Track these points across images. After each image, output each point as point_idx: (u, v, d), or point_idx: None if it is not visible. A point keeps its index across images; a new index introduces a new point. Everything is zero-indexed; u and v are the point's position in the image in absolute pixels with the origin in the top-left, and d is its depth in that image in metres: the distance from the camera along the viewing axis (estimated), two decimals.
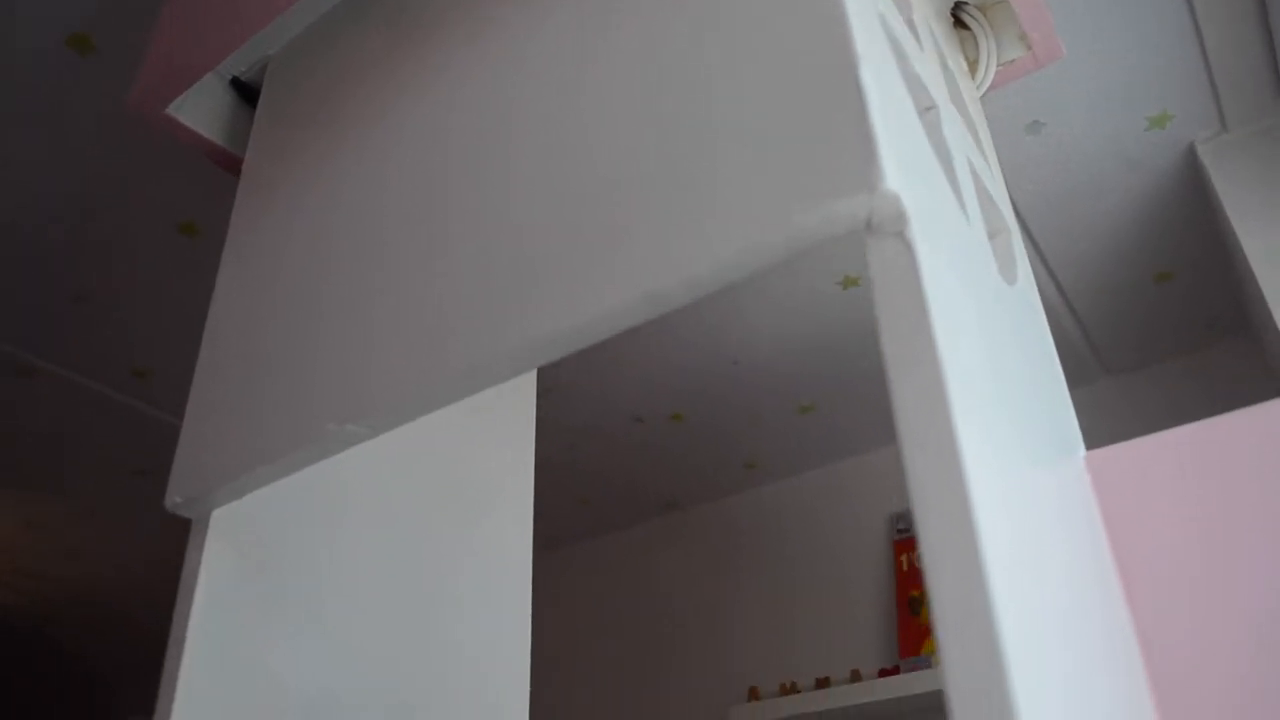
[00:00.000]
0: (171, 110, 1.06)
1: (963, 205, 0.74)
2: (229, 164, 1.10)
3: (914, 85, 0.73)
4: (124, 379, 2.19)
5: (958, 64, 1.07)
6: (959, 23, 1.12)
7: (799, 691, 2.18)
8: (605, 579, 2.74)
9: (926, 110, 0.76)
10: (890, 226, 0.48)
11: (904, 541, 2.31)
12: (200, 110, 1.09)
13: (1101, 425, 1.65)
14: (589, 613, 2.72)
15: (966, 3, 1.11)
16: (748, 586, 2.50)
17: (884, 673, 2.14)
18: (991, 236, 0.90)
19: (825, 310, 2.00)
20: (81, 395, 2.24)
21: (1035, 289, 0.96)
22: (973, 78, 1.10)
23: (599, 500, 2.68)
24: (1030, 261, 1.84)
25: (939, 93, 0.81)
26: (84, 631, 3.52)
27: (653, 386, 2.22)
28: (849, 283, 1.94)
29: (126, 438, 2.41)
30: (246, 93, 1.11)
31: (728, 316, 2.01)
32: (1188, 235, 1.86)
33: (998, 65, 1.13)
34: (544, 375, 2.11)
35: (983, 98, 1.16)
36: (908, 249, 0.48)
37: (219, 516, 0.82)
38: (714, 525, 2.63)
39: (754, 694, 2.26)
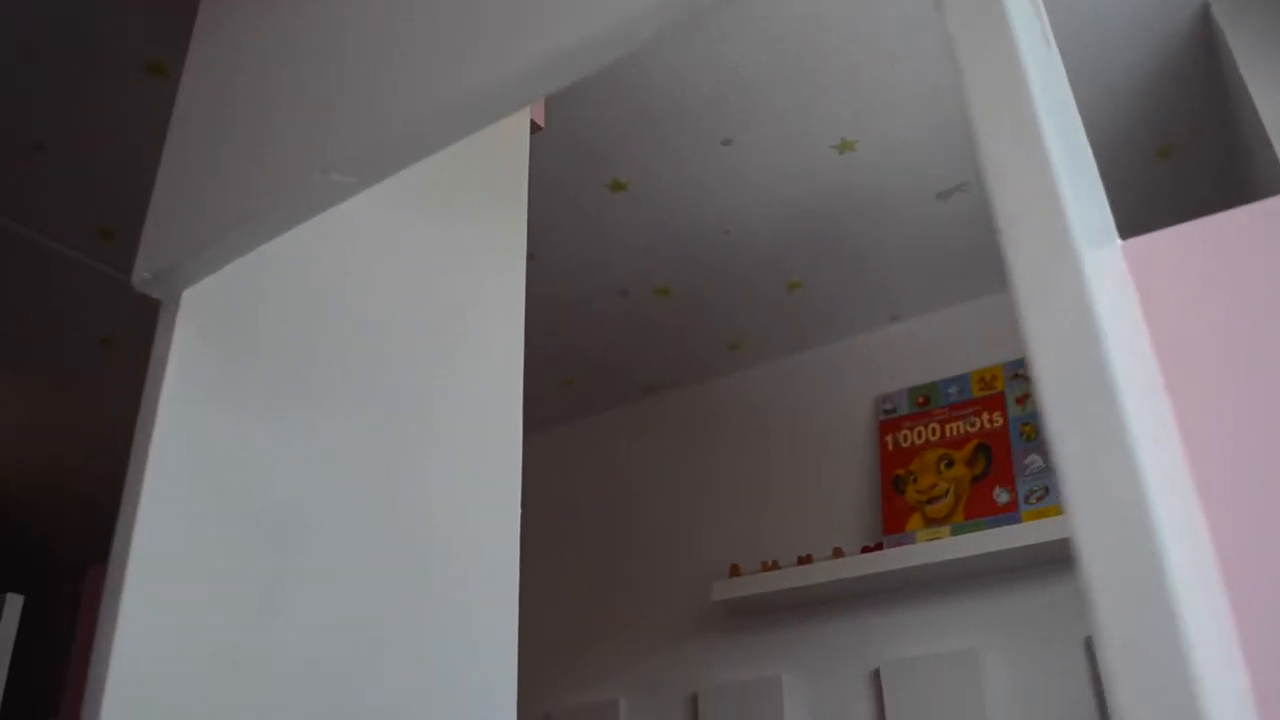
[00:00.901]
0: None
1: None
2: None
3: None
4: (89, 239, 2.10)
5: None
6: None
7: (780, 569, 2.17)
8: (585, 461, 2.71)
9: None
10: None
11: (889, 422, 2.28)
12: None
13: None
14: (569, 495, 2.69)
15: None
16: (730, 469, 2.47)
17: (866, 550, 2.13)
18: None
19: (821, 175, 1.94)
20: (42, 256, 2.14)
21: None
22: None
23: (581, 380, 2.63)
24: None
25: None
26: (50, 515, 3.47)
27: (642, 256, 2.15)
28: (845, 147, 1.87)
29: (92, 303, 2.32)
30: None
31: (723, 180, 1.94)
32: (1193, 107, 1.80)
33: None
34: (531, 239, 2.05)
35: None
36: None
37: (190, 298, 0.76)
38: (697, 407, 2.60)
39: (735, 571, 2.25)
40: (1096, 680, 1.90)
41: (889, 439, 2.26)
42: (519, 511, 1.08)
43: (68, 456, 3.06)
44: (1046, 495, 2.00)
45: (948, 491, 2.12)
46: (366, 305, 0.95)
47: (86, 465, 3.11)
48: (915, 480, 2.16)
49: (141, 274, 0.73)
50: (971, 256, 2.19)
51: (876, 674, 2.09)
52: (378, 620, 0.85)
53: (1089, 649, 1.93)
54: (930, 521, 2.10)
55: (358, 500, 0.87)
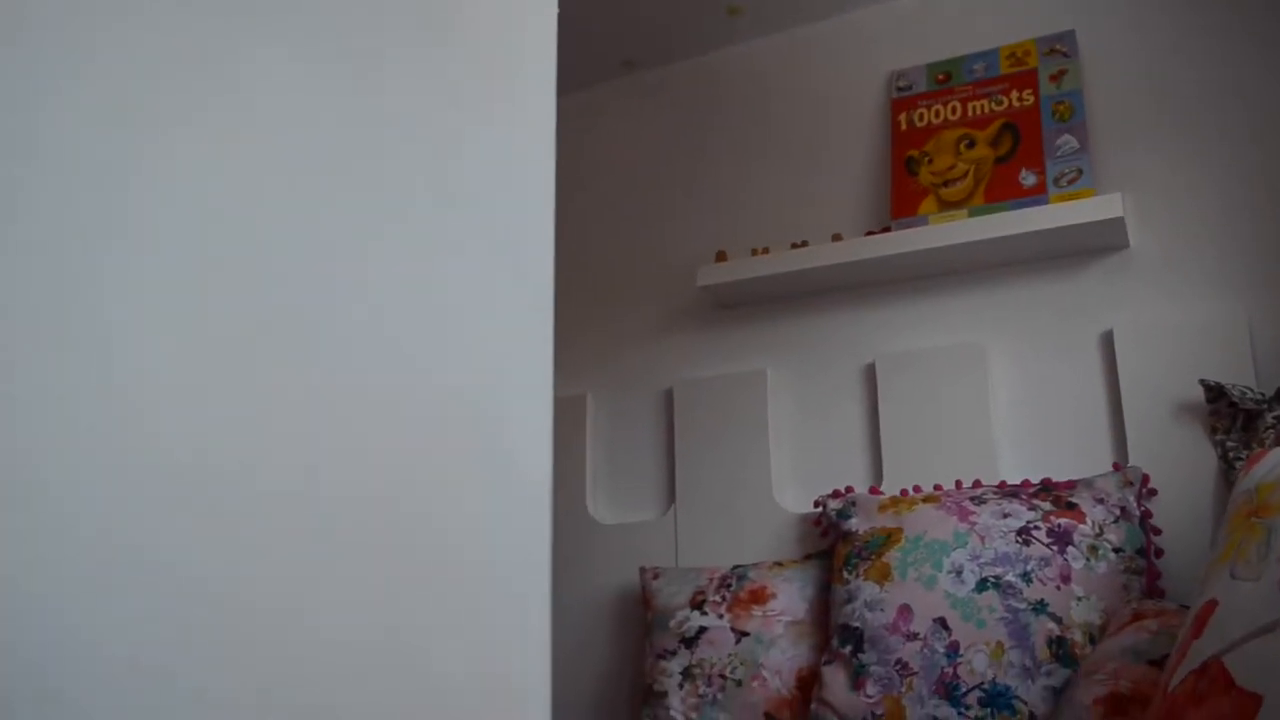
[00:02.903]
0: None
1: None
2: None
3: None
4: None
5: None
6: None
7: (773, 254, 1.96)
8: (561, 142, 2.43)
9: None
10: None
11: (903, 100, 2.02)
12: None
13: None
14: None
15: None
16: (724, 149, 2.22)
17: (871, 235, 1.92)
18: None
19: None
20: None
21: None
22: None
23: (559, 54, 2.31)
24: None
25: None
26: None
27: None
28: None
29: None
30: None
31: None
32: None
33: None
34: None
35: None
36: None
37: None
38: (690, 83, 2.31)
39: (722, 257, 2.04)
40: (1111, 377, 1.75)
41: (902, 118, 2.00)
42: None
43: None
44: (1080, 177, 1.78)
45: (967, 173, 1.89)
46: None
47: None
48: (930, 161, 1.93)
49: None
50: None
51: (871, 368, 1.93)
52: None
53: (1105, 344, 1.77)
54: (945, 205, 1.88)
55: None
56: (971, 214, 1.84)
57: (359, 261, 0.41)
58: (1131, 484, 1.63)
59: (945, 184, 1.89)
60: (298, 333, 0.38)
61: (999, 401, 1.82)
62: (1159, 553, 1.62)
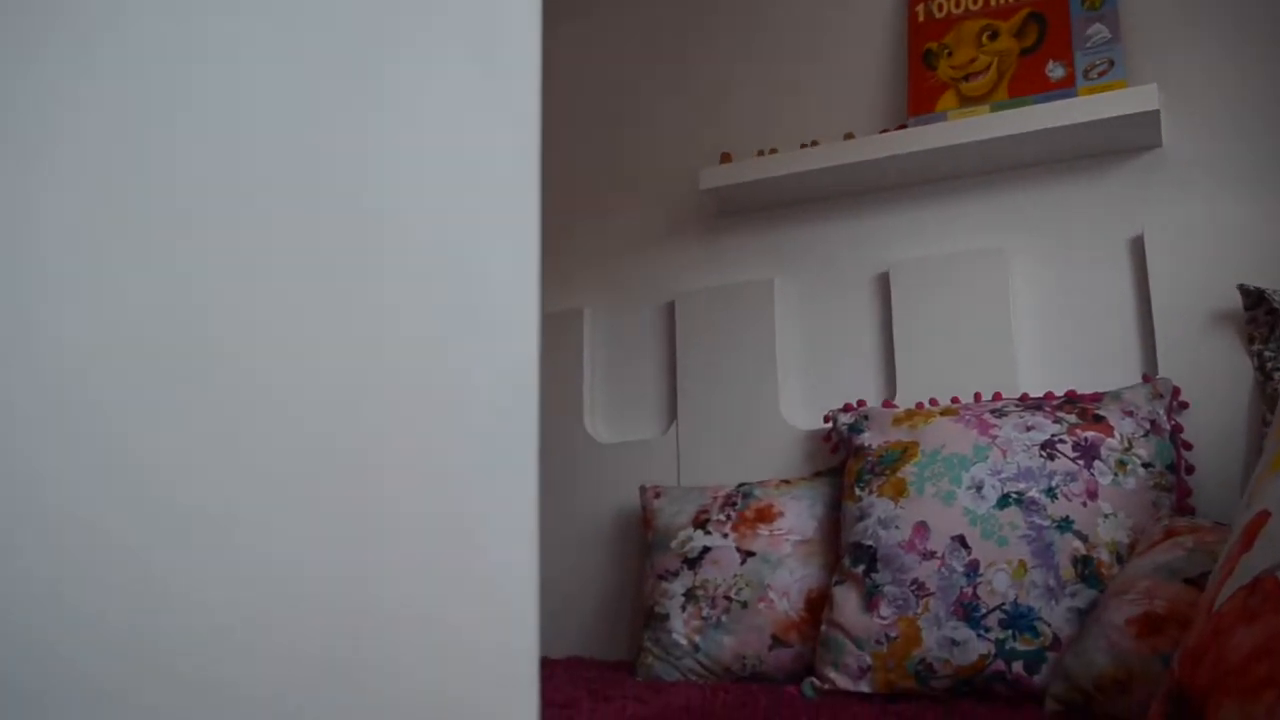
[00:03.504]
0: None
1: None
2: None
3: None
4: None
5: None
6: None
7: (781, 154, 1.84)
8: (549, 37, 2.29)
9: None
10: None
11: None
12: None
13: None
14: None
15: None
16: (729, 44, 2.08)
17: (886, 134, 1.79)
18: None
19: None
20: None
21: None
22: None
23: None
24: None
25: None
26: None
27: None
28: None
29: None
30: None
31: None
32: None
33: None
34: None
35: None
36: None
37: None
38: None
39: (726, 159, 1.91)
40: (1141, 284, 1.65)
41: (919, 8, 1.87)
42: None
43: None
44: (1111, 69, 1.66)
45: (989, 66, 1.76)
46: None
47: None
48: (950, 54, 1.80)
49: None
50: None
51: (884, 277, 1.82)
52: None
53: (1136, 249, 1.67)
54: (966, 101, 1.76)
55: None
56: (994, 109, 1.71)
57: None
58: (1161, 396, 1.53)
59: (966, 78, 1.77)
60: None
61: (1020, 310, 1.72)
62: (1189, 469, 1.53)
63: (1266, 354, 1.51)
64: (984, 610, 1.36)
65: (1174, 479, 1.47)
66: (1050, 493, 1.42)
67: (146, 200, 0.26)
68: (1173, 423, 1.53)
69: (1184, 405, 1.56)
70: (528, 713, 0.34)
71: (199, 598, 0.26)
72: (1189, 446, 1.54)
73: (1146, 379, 1.59)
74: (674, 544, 1.69)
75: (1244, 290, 1.52)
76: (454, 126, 0.36)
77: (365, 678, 0.30)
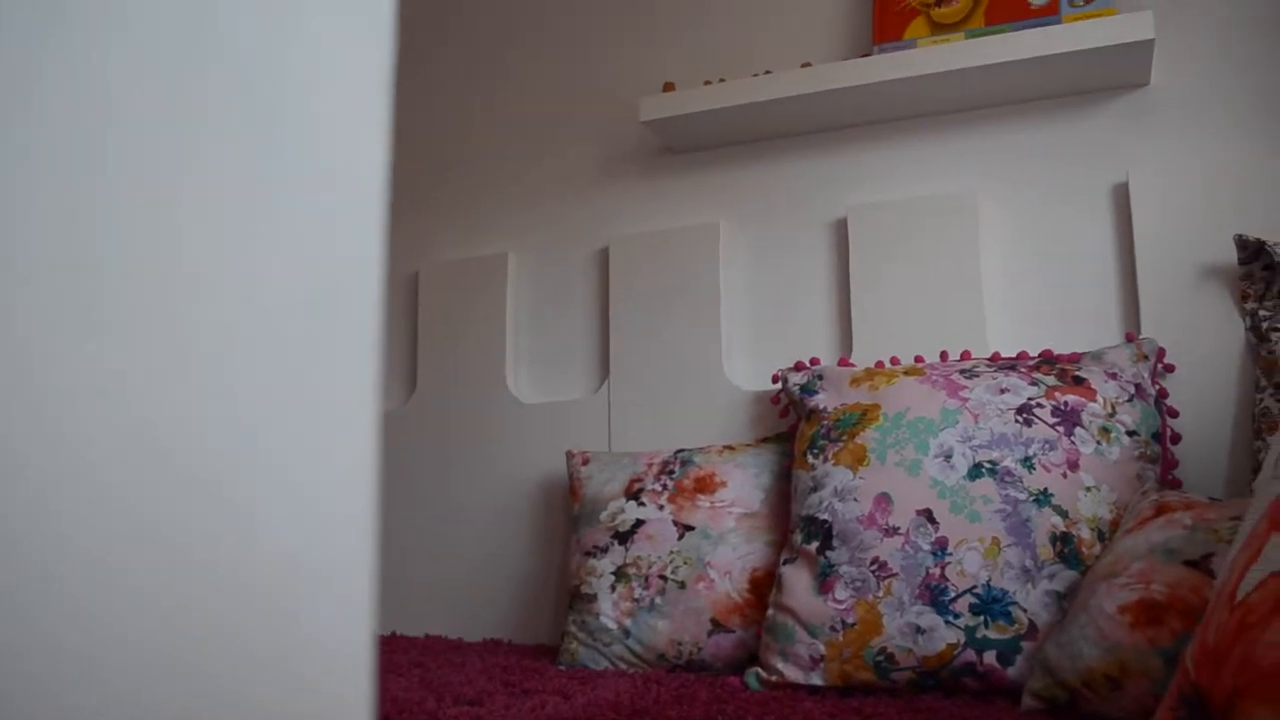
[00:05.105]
0: None
1: None
2: None
3: None
4: None
5: None
6: None
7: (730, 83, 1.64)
8: None
9: None
10: None
11: None
12: None
13: None
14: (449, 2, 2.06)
15: None
16: None
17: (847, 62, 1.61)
18: None
19: None
20: None
21: None
22: None
23: None
24: None
25: None
26: None
27: None
28: None
29: None
30: None
31: None
32: None
33: None
34: None
35: None
36: None
37: None
38: None
39: (669, 89, 1.72)
40: (1125, 235, 1.50)
41: None
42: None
43: None
44: None
45: None
46: None
47: None
48: None
49: None
50: None
51: (842, 223, 1.65)
52: None
53: (1119, 196, 1.51)
54: (938, 28, 1.58)
55: None
56: (969, 37, 1.54)
57: None
58: (1146, 358, 1.38)
59: (938, 3, 1.59)
60: None
61: (992, 261, 1.56)
62: (1175, 438, 1.38)
63: (1262, 313, 1.37)
64: (953, 594, 1.20)
65: (1159, 449, 1.32)
66: (1027, 462, 1.26)
67: None
68: (1157, 387, 1.39)
69: (1169, 369, 1.41)
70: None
71: None
72: (1174, 414, 1.39)
73: (1130, 338, 1.43)
74: (603, 516, 1.51)
75: (1241, 242, 1.37)
76: None
77: None
